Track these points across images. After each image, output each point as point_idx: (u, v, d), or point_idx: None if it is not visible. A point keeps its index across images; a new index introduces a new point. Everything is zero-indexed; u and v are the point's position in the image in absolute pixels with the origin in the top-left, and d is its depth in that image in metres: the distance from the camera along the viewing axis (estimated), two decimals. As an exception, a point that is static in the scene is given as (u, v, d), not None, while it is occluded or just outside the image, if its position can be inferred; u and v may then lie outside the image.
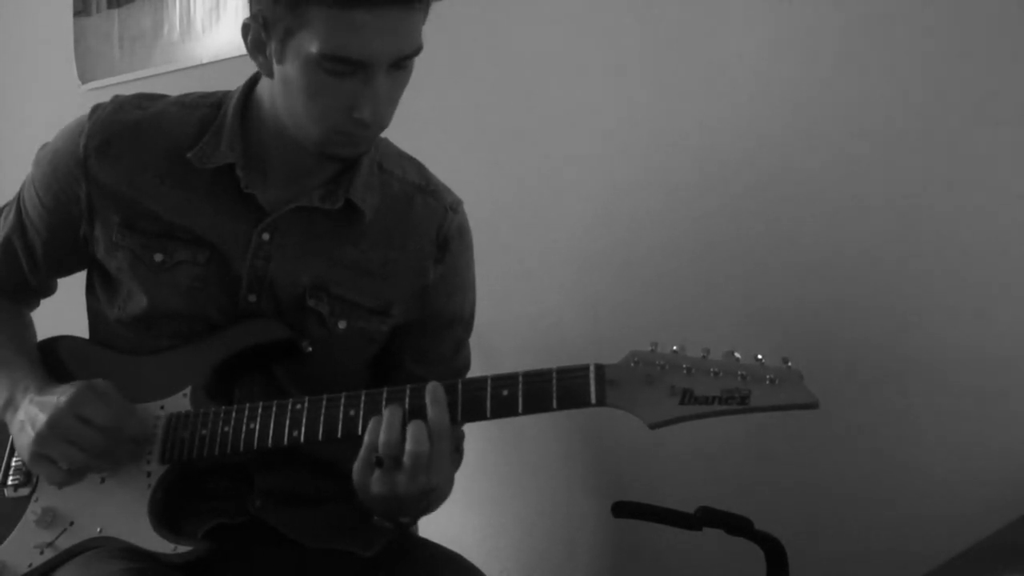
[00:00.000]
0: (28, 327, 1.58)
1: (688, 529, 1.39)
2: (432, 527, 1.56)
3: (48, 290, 1.60)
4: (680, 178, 1.78)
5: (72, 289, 1.58)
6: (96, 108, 1.46)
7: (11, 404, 1.42)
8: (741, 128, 1.71)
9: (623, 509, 1.45)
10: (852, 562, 1.60)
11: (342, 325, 1.45)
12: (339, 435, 1.32)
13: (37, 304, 1.62)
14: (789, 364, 1.18)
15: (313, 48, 1.28)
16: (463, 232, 1.54)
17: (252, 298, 1.43)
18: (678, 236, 1.79)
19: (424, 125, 1.99)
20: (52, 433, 1.34)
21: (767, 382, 1.17)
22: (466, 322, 1.58)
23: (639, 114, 1.83)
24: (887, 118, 1.59)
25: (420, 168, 1.55)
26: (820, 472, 1.64)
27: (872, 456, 1.60)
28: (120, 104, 1.47)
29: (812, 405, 1.17)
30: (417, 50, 1.33)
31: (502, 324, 1.75)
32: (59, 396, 1.35)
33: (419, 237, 1.49)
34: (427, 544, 1.53)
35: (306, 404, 1.33)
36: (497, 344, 1.66)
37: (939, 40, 1.55)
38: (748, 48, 1.71)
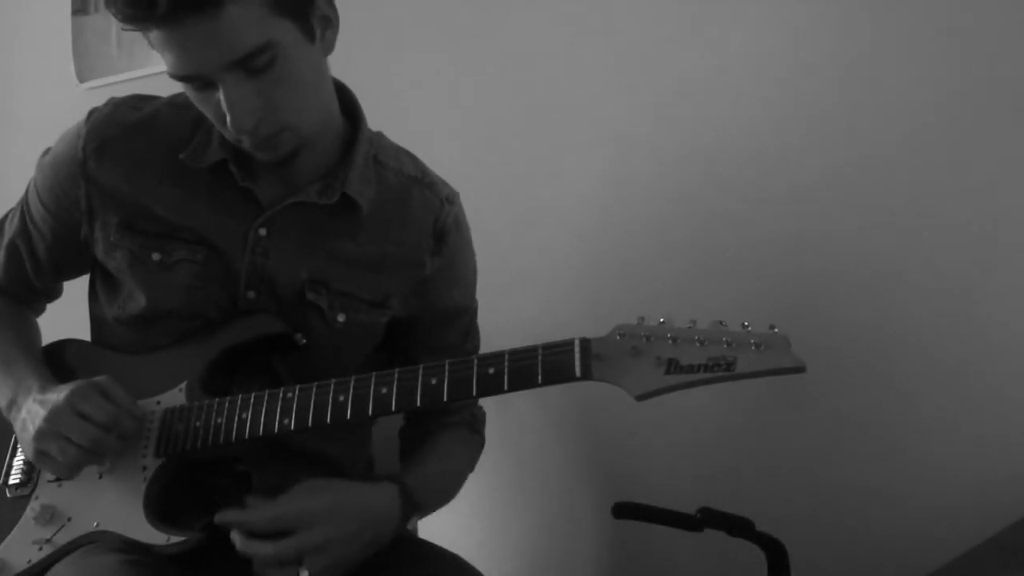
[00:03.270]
0: (33, 328, 1.59)
1: (689, 530, 1.38)
2: (432, 528, 1.56)
3: (53, 293, 1.62)
4: (681, 177, 1.78)
5: (77, 295, 1.58)
6: (93, 111, 1.48)
7: (15, 404, 1.43)
8: (743, 127, 1.71)
9: (624, 510, 1.44)
10: (854, 563, 1.60)
11: (341, 319, 1.45)
12: (328, 421, 1.32)
13: (43, 307, 1.64)
14: (775, 330, 1.16)
15: (167, 71, 1.30)
16: (460, 224, 1.55)
17: (251, 295, 1.43)
18: (679, 236, 1.79)
19: (424, 124, 1.99)
20: (51, 429, 1.34)
21: (753, 348, 1.15)
22: (469, 312, 1.59)
23: (640, 114, 1.82)
24: (890, 113, 1.59)
25: (416, 161, 1.55)
26: (822, 473, 1.64)
27: (874, 458, 1.60)
28: (116, 105, 1.47)
29: (799, 369, 1.15)
30: (252, 51, 1.25)
31: (502, 324, 1.74)
32: (59, 394, 1.36)
33: (416, 230, 1.49)
34: (426, 545, 1.53)
35: (296, 392, 1.34)
36: (497, 344, 1.65)
37: (942, 40, 1.55)
38: (748, 47, 1.71)
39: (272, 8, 1.26)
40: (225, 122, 1.31)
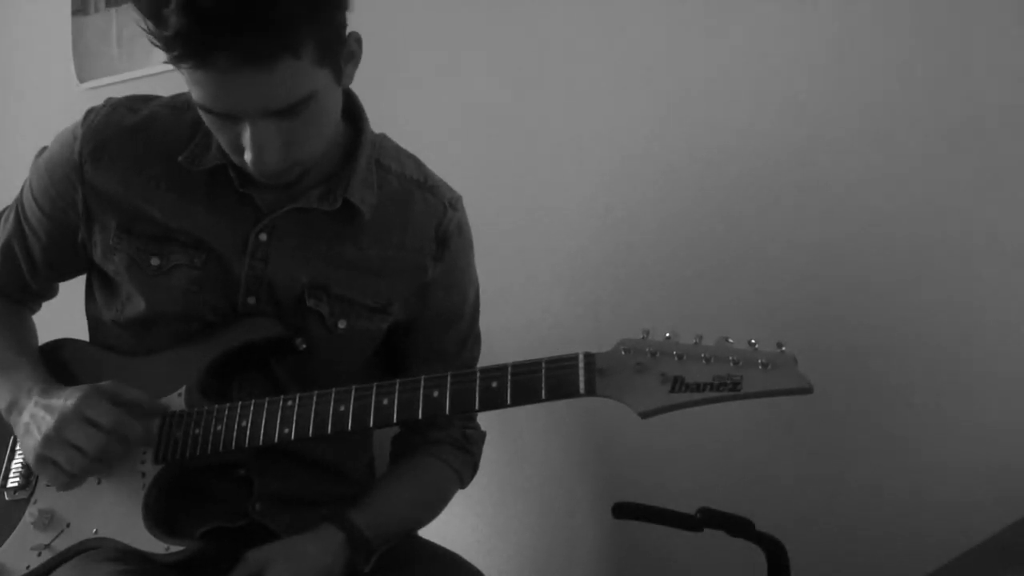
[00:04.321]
0: (29, 329, 1.58)
1: (689, 530, 1.38)
2: (432, 528, 1.56)
3: (49, 293, 1.61)
4: (682, 178, 1.78)
5: (74, 294, 1.58)
6: (89, 113, 1.46)
7: (15, 406, 1.42)
8: (746, 130, 1.71)
9: (624, 510, 1.44)
10: (854, 563, 1.60)
11: (342, 325, 1.44)
12: (329, 431, 1.31)
13: (39, 306, 1.63)
14: (783, 348, 1.15)
15: (192, 96, 1.28)
16: (462, 229, 1.54)
17: (251, 300, 1.43)
18: (679, 236, 1.79)
19: (424, 125, 1.99)
20: (58, 436, 1.34)
21: (760, 367, 1.14)
22: (469, 319, 1.57)
23: (643, 116, 1.82)
24: (889, 115, 1.58)
25: (418, 164, 1.54)
26: (822, 473, 1.63)
27: (874, 458, 1.60)
28: (113, 107, 1.46)
29: (805, 390, 1.14)
30: (294, 103, 1.25)
31: (502, 324, 1.74)
32: (66, 399, 1.35)
33: (418, 234, 1.49)
34: (427, 545, 1.54)
35: (297, 401, 1.33)
36: (497, 345, 1.65)
37: (949, 44, 1.54)
38: (748, 49, 1.71)
39: (317, 60, 1.25)
40: (242, 153, 1.30)
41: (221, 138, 1.32)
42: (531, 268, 1.92)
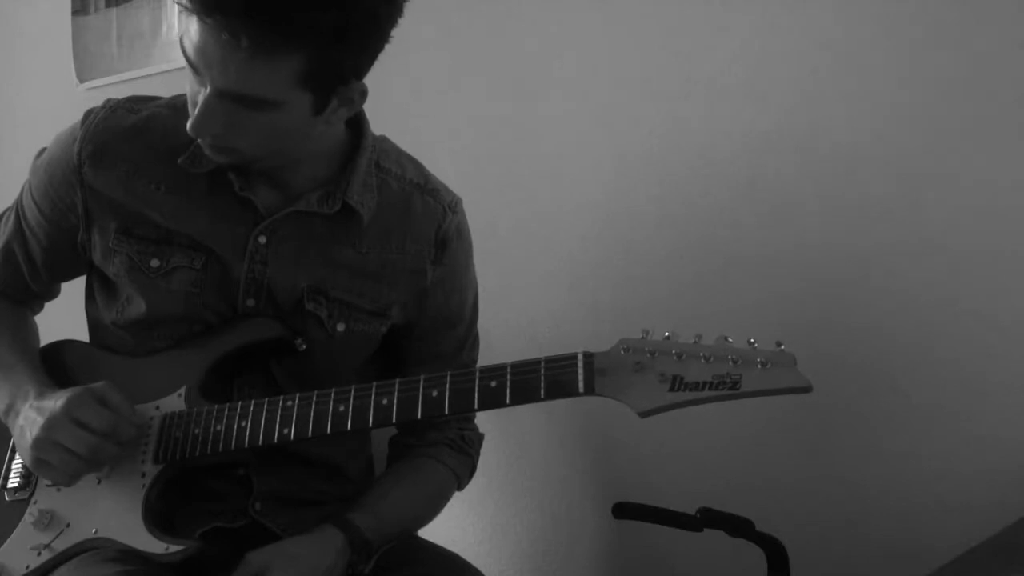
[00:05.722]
0: (30, 330, 1.58)
1: (689, 530, 1.38)
2: (432, 528, 1.56)
3: (50, 294, 1.61)
4: (681, 179, 1.78)
5: (75, 295, 1.58)
6: (88, 114, 1.46)
7: (12, 409, 1.43)
8: (742, 128, 1.71)
9: (624, 510, 1.44)
10: (854, 563, 1.60)
11: (341, 328, 1.44)
12: (328, 431, 1.32)
13: (40, 307, 1.63)
14: (782, 348, 1.16)
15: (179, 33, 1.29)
16: (462, 232, 1.54)
17: (251, 302, 1.43)
18: (679, 237, 1.79)
19: (425, 125, 1.99)
20: (48, 438, 1.34)
21: (759, 366, 1.14)
22: (468, 321, 1.57)
23: (640, 115, 1.82)
24: (887, 115, 1.58)
25: (418, 166, 1.54)
26: (822, 473, 1.64)
27: (874, 458, 1.60)
28: (112, 108, 1.46)
29: (805, 389, 1.14)
30: (253, 99, 1.26)
31: (502, 324, 1.74)
32: (56, 401, 1.35)
33: (418, 238, 1.48)
34: (426, 545, 1.54)
35: (296, 401, 1.34)
36: (497, 345, 1.65)
37: (952, 45, 1.54)
38: (748, 49, 1.71)
39: (299, 80, 1.26)
40: (194, 108, 1.30)
41: (187, 86, 1.33)
42: (531, 268, 1.92)
